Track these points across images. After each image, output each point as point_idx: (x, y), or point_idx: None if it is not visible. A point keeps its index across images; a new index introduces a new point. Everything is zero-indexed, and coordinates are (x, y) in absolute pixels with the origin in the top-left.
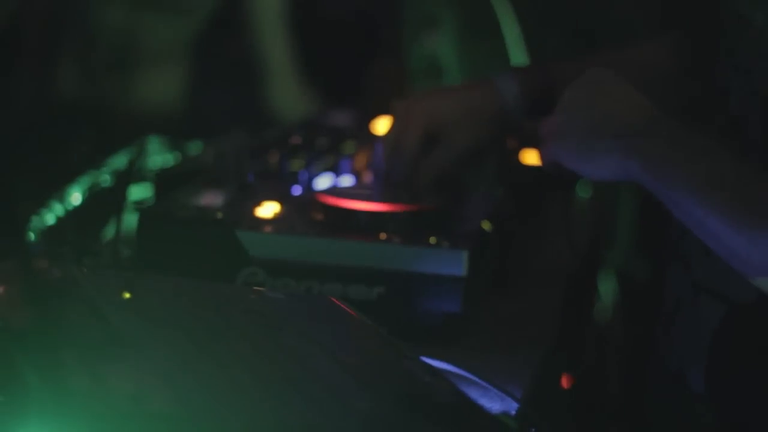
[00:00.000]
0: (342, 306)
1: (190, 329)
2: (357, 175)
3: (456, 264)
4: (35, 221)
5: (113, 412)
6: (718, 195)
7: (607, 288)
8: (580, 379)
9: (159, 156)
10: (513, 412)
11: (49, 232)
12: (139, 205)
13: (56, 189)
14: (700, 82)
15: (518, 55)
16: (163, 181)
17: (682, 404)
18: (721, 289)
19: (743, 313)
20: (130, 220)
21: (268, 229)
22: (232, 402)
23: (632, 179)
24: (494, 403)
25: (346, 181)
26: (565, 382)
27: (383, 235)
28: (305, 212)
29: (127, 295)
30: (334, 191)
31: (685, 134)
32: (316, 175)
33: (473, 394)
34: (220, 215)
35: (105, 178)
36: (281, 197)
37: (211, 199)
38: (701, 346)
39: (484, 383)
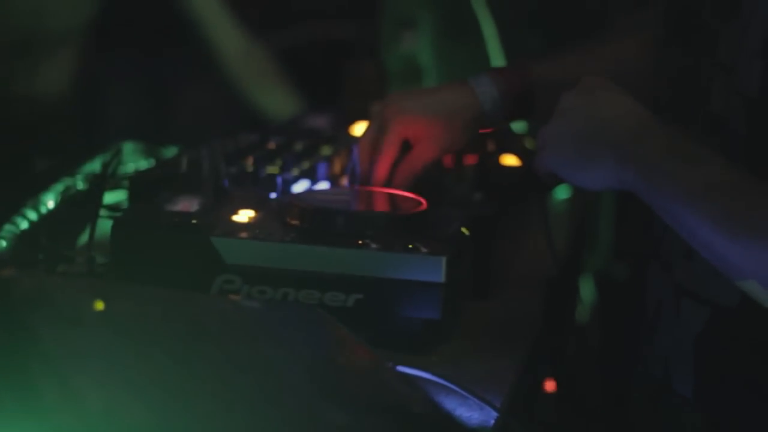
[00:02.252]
0: (319, 314)
1: (163, 341)
2: (334, 179)
3: (434, 270)
4: (8, 228)
5: (83, 426)
6: (711, 204)
7: (586, 291)
8: (562, 383)
9: (134, 162)
10: (492, 422)
11: (22, 238)
12: (113, 212)
13: (29, 195)
14: (678, 78)
15: (496, 55)
16: (138, 187)
17: (668, 409)
18: (704, 293)
19: (727, 316)
20: (105, 226)
21: (243, 235)
22: (204, 415)
23: (627, 188)
24: (473, 412)
25: (323, 185)
26: (547, 387)
27: (360, 241)
28: (281, 217)
29: (100, 305)
30: (310, 196)
31: (679, 142)
32: (293, 179)
33: (452, 403)
34: (194, 221)
35: (79, 184)
36: (257, 202)
37: (186, 205)
38: (685, 351)
39: (463, 392)
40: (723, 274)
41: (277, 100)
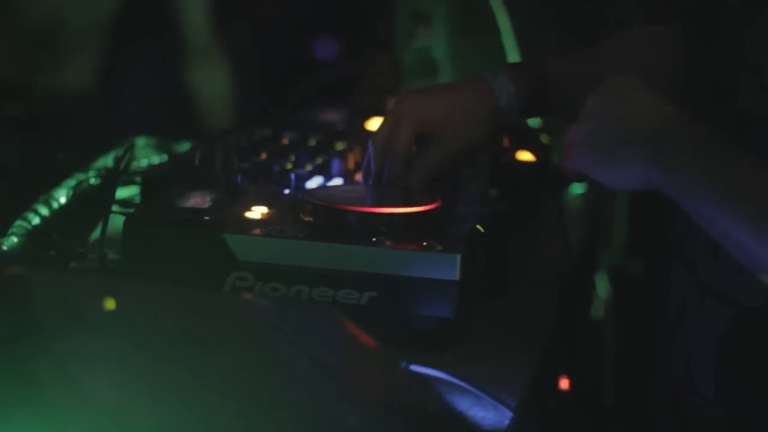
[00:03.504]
0: (332, 313)
1: (173, 340)
2: (348, 175)
3: (449, 268)
4: (19, 223)
5: (91, 427)
6: (743, 204)
7: (601, 287)
8: (578, 380)
9: (147, 157)
10: (507, 422)
11: (34, 234)
12: (126, 208)
13: (42, 191)
14: (703, 77)
15: (512, 50)
16: (150, 182)
17: (690, 409)
18: (729, 292)
19: (753, 316)
20: (117, 222)
21: (256, 231)
22: (215, 416)
23: (656, 188)
24: (488, 412)
25: (337, 181)
26: (563, 384)
27: (374, 239)
28: (295, 214)
29: (110, 304)
30: (324, 192)
31: (709, 141)
32: (307, 175)
33: (466, 403)
34: (207, 218)
35: (92, 180)
36: (270, 198)
37: (199, 201)
38: (709, 350)
39: (477, 392)
40: (753, 273)
41: (215, 106)
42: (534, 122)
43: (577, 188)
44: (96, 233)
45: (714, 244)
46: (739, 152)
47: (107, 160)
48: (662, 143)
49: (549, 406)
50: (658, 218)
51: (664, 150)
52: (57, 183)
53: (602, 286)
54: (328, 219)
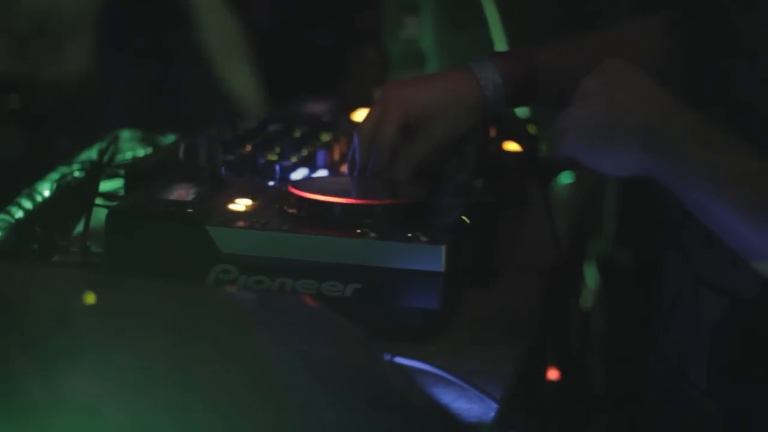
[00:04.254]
0: (316, 305)
1: (155, 334)
2: (333, 166)
3: (434, 259)
4: (2, 217)
5: (70, 425)
6: (739, 192)
7: (590, 277)
8: (567, 371)
9: (132, 150)
10: (492, 414)
11: (17, 228)
12: (109, 201)
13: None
14: (697, 64)
15: (500, 41)
16: (134, 175)
17: (683, 399)
18: (723, 283)
19: (746, 307)
20: (101, 215)
21: (240, 224)
22: (193, 413)
23: (651, 174)
24: (473, 404)
25: (322, 173)
26: (552, 375)
27: (359, 230)
28: (279, 206)
29: (91, 298)
30: (309, 184)
31: (705, 128)
32: (292, 166)
33: (451, 395)
34: (190, 210)
35: (75, 173)
36: (255, 191)
37: (182, 193)
38: (702, 341)
39: (462, 383)
40: (748, 261)
41: (247, 90)
42: (522, 112)
43: (566, 178)
44: (80, 227)
45: (708, 234)
46: (734, 140)
47: (91, 153)
48: (658, 130)
49: (537, 397)
50: (649, 208)
51: (659, 137)
52: (41, 176)
53: (591, 276)
54: (312, 211)
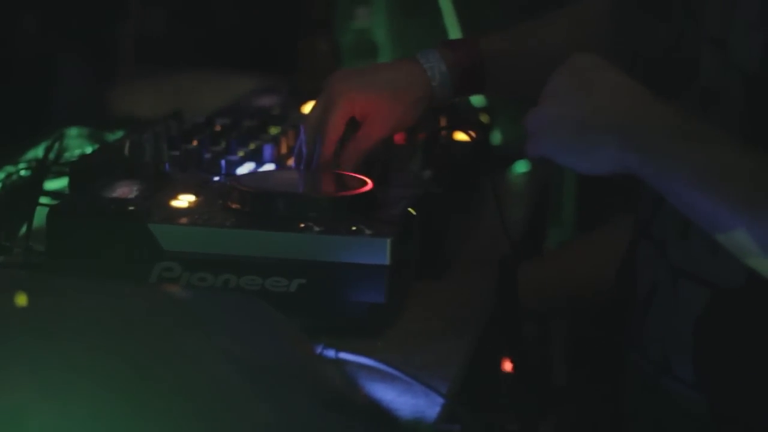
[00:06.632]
0: (255, 303)
1: (85, 335)
2: (281, 160)
3: (379, 252)
4: None
5: None
6: (725, 186)
7: None
8: (522, 362)
9: (79, 147)
10: (438, 408)
11: None
12: (54, 200)
13: None
14: (659, 50)
15: (453, 31)
16: (79, 173)
17: (669, 392)
18: (703, 274)
19: (730, 298)
20: (44, 214)
21: (182, 221)
22: (114, 414)
23: (631, 172)
24: (418, 399)
25: (269, 167)
26: (505, 366)
27: (302, 225)
28: (223, 201)
29: (22, 300)
30: (252, 178)
31: (683, 121)
32: (238, 161)
33: (396, 390)
34: (131, 208)
35: (21, 172)
36: (199, 186)
37: (125, 191)
38: (685, 334)
39: (407, 378)
40: (737, 257)
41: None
42: (477, 101)
43: (521, 167)
44: (25, 226)
45: (685, 223)
46: (713, 131)
47: (38, 151)
48: (634, 125)
49: (489, 389)
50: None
51: (637, 132)
52: None
53: None
54: (255, 205)
